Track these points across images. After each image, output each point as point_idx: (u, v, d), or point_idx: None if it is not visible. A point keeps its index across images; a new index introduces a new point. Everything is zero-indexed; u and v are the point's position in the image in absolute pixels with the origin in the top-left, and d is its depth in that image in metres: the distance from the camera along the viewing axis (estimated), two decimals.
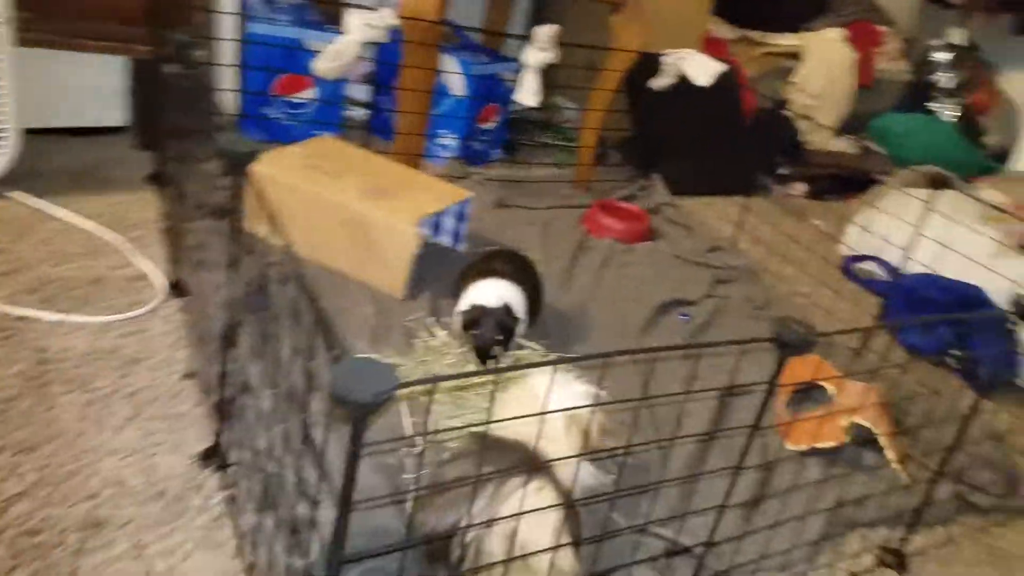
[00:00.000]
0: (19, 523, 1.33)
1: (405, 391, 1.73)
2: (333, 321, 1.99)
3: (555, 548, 1.21)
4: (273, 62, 2.82)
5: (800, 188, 3.84)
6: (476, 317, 1.89)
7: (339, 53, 2.58)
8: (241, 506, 1.44)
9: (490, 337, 1.89)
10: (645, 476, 1.71)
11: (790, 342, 1.09)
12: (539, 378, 1.59)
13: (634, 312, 2.41)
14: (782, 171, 3.81)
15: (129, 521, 1.38)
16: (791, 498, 1.67)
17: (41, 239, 2.14)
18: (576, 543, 1.32)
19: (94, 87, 2.65)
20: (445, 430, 1.69)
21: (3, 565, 1.26)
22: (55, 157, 2.55)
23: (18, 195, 2.28)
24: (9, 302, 1.84)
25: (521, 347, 2.05)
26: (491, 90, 3.20)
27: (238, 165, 1.32)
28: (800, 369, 2.04)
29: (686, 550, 1.54)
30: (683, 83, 3.12)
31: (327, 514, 0.95)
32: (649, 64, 3.13)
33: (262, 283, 1.50)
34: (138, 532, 1.37)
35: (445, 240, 2.44)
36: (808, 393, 2.13)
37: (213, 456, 1.54)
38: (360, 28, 2.56)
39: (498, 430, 1.42)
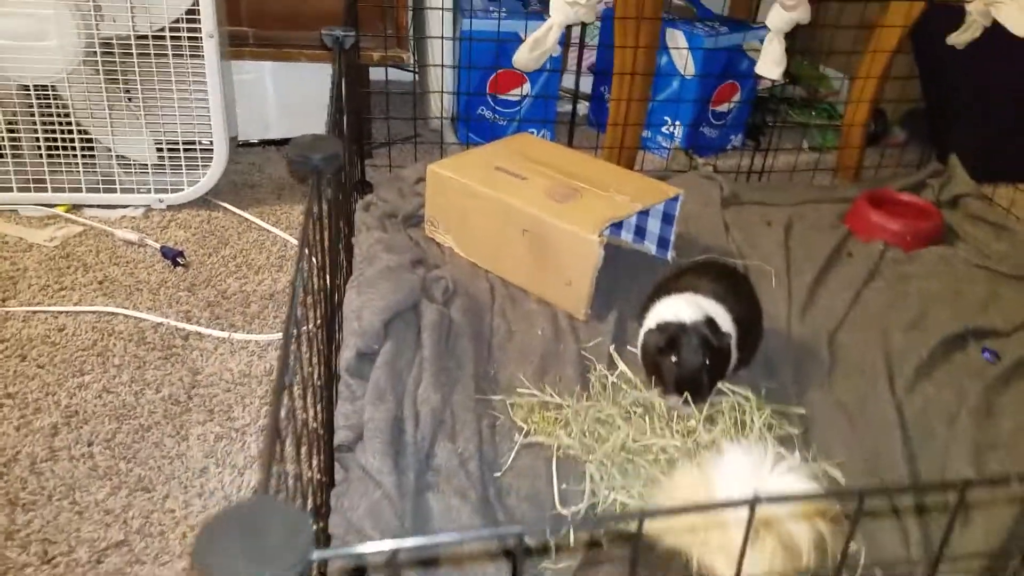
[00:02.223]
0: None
1: (555, 441, 1.39)
2: (498, 347, 1.66)
3: None
4: (489, 59, 2.57)
5: None
6: (672, 336, 1.44)
7: (538, 41, 2.25)
8: None
9: (694, 362, 1.42)
10: None
11: None
12: (734, 455, 1.11)
13: (909, 345, 1.77)
14: None
15: None
16: None
17: (237, 250, 2.10)
18: None
19: (305, 96, 2.63)
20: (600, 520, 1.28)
21: None
22: (267, 168, 2.56)
23: (226, 206, 2.29)
24: (183, 317, 1.79)
25: (730, 392, 1.55)
26: (729, 66, 2.67)
27: (318, 173, 1.04)
28: None
29: None
30: (993, 35, 2.32)
31: None
32: (944, 14, 2.38)
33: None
34: None
35: (649, 247, 2.01)
36: None
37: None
38: (561, 8, 2.21)
39: (659, 528, 1.00)
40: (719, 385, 1.52)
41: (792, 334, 1.80)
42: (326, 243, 1.19)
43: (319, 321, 1.29)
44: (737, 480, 1.06)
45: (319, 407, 1.16)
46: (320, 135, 1.04)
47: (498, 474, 1.35)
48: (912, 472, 1.46)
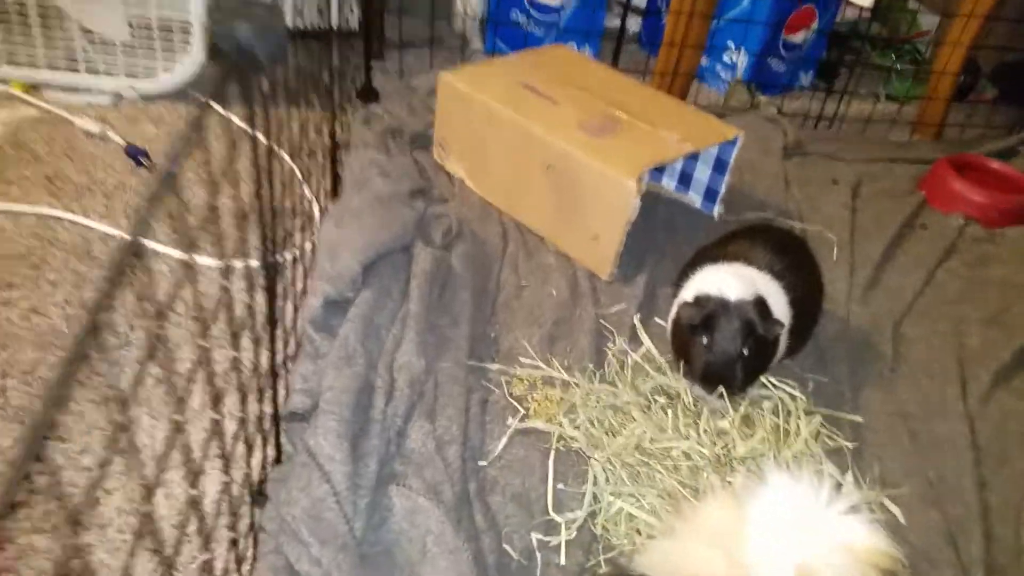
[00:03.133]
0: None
1: (556, 429, 1.14)
2: (503, 305, 1.41)
3: None
4: None
5: None
6: (710, 314, 1.17)
7: None
8: None
9: (729, 350, 1.16)
10: None
11: None
12: (779, 486, 0.86)
13: (987, 344, 1.50)
14: None
15: None
16: None
17: (214, 156, 1.83)
18: None
19: None
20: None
21: None
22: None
23: (208, 101, 2.00)
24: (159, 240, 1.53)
25: (772, 388, 1.30)
26: None
27: (240, 68, 0.76)
28: None
29: None
30: None
31: None
32: None
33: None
34: None
35: (694, 199, 1.71)
36: None
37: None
38: None
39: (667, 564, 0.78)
40: (761, 379, 1.27)
41: (851, 319, 1.52)
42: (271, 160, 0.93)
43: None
44: (780, 521, 0.82)
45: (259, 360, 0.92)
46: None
47: (484, 463, 1.12)
48: (982, 505, 1.21)
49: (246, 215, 0.85)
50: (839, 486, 1.14)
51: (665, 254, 1.57)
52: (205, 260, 1.40)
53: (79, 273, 1.37)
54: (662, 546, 0.89)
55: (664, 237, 1.63)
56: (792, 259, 1.31)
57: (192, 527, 1.01)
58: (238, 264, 1.27)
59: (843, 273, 1.63)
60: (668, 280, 1.45)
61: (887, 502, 1.15)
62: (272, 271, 0.92)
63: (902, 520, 1.14)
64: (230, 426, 1.11)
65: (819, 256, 1.47)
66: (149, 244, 1.45)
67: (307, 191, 1.50)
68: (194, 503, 0.69)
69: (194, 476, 0.71)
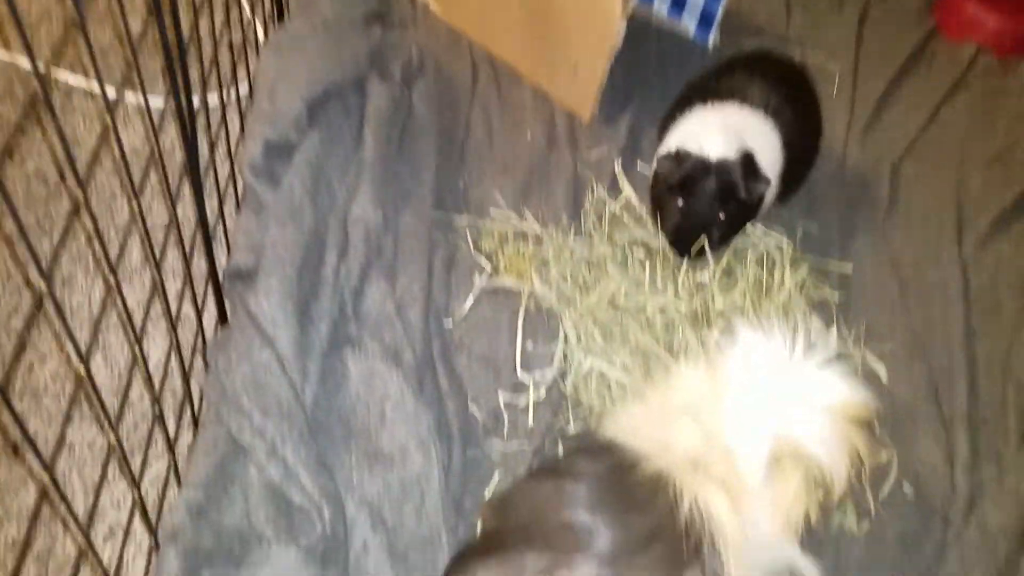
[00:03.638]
0: None
1: (527, 287, 1.06)
2: (472, 150, 1.28)
3: None
4: None
5: None
6: (687, 175, 1.08)
7: None
8: None
9: (703, 215, 1.08)
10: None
11: None
12: (750, 341, 0.80)
13: (989, 186, 1.42)
14: None
15: None
16: None
17: None
18: None
19: None
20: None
21: None
22: None
23: None
24: (67, 66, 1.36)
25: (759, 236, 1.21)
26: None
27: None
28: None
29: None
30: None
31: None
32: None
33: None
34: None
35: (688, 25, 1.54)
36: None
37: None
38: None
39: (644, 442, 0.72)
40: (747, 226, 1.18)
41: (848, 161, 1.42)
42: None
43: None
44: (756, 385, 0.76)
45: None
46: None
47: (449, 324, 1.05)
48: (969, 356, 1.17)
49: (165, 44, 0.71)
50: (815, 342, 1.09)
51: (653, 91, 1.42)
52: (130, 98, 1.25)
53: (1, 115, 1.23)
54: (634, 411, 0.83)
55: (652, 71, 1.48)
56: (789, 94, 1.19)
57: (135, 393, 0.95)
58: (157, 102, 1.13)
59: (843, 108, 1.51)
60: (655, 121, 1.32)
61: (872, 361, 1.10)
62: (192, 110, 0.79)
63: (884, 379, 1.10)
64: (172, 287, 1.02)
65: (818, 88, 1.35)
66: (68, 79, 1.29)
67: (247, 11, 1.32)
68: (134, 367, 0.62)
69: (135, 338, 0.63)
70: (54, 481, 0.52)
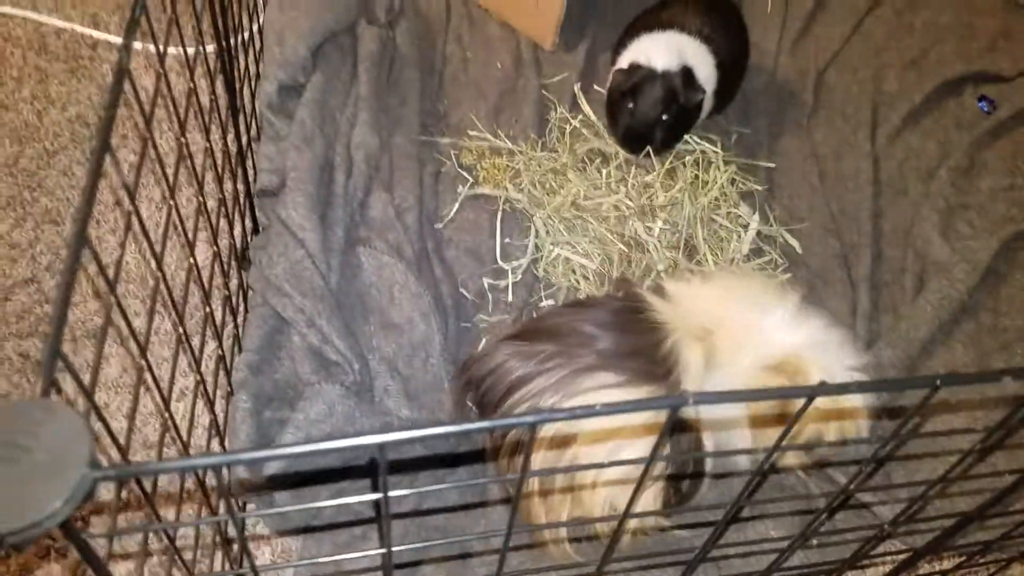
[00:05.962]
0: None
1: (503, 193, 1.27)
2: (450, 80, 1.49)
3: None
4: None
5: None
6: (637, 83, 1.29)
7: None
8: None
9: (649, 115, 1.30)
10: None
11: None
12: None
13: (902, 88, 1.62)
14: None
15: None
16: None
17: None
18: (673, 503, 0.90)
19: None
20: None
21: None
22: None
23: None
24: (91, 23, 1.55)
25: (695, 143, 1.43)
26: None
27: None
28: None
29: None
30: None
31: None
32: None
33: None
34: None
35: None
36: None
37: None
38: None
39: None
40: (686, 136, 1.39)
41: (778, 72, 1.62)
42: None
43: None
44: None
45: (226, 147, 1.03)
46: None
47: (439, 226, 1.28)
48: (876, 231, 1.40)
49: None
50: (747, 225, 1.32)
51: (607, 19, 1.62)
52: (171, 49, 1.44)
53: (40, 68, 1.42)
54: (693, 283, 1.00)
55: (607, 3, 1.66)
56: (721, 22, 1.39)
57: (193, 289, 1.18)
58: (194, 51, 1.32)
59: (775, 25, 1.69)
60: (609, 48, 1.52)
61: (788, 238, 1.34)
62: (232, 54, 0.99)
63: (799, 250, 1.34)
64: (212, 206, 1.24)
65: (755, 7, 1.54)
66: (104, 37, 1.48)
67: None
68: (191, 269, 0.84)
69: (190, 245, 0.85)
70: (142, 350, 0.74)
